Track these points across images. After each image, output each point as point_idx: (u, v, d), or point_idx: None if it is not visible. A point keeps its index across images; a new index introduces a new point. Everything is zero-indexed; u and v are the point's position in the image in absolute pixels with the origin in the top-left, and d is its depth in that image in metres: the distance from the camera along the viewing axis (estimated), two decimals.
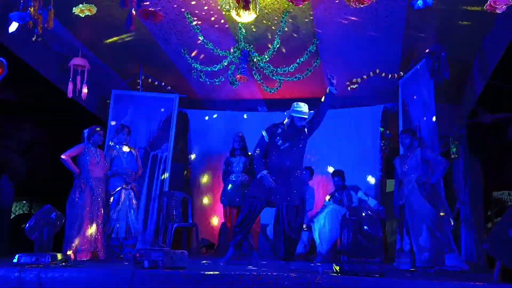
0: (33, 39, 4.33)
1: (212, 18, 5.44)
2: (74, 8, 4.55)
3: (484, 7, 3.99)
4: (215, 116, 8.13)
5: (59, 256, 4.21)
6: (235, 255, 5.09)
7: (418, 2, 4.00)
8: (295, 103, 4.92)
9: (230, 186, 6.10)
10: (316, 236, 6.17)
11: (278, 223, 4.85)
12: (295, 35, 5.72)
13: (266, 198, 4.88)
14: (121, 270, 3.56)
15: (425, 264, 4.64)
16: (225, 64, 6.14)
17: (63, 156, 5.55)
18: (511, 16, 4.41)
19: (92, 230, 5.52)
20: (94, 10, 4.56)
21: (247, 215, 4.93)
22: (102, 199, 5.66)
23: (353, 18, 5.23)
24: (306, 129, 4.96)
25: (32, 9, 4.19)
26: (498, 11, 3.95)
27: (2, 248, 6.58)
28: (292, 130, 4.89)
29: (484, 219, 6.98)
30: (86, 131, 5.77)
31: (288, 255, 4.83)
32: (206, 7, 5.21)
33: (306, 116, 4.91)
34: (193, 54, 6.09)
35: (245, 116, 8.10)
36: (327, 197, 6.83)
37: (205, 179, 7.98)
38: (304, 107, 4.89)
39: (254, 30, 5.66)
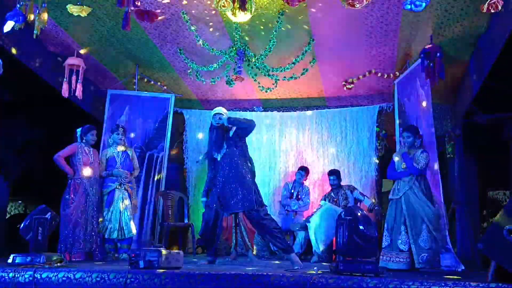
0: (34, 36, 4.32)
1: (208, 18, 5.44)
2: (68, 6, 4.54)
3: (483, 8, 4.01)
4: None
5: (54, 256, 4.21)
6: (215, 262, 5.09)
7: (407, 6, 4.01)
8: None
9: None
10: (311, 235, 6.17)
11: (256, 227, 4.84)
12: (291, 35, 5.72)
13: (217, 207, 4.87)
14: (116, 271, 3.55)
15: (424, 265, 4.64)
16: (221, 64, 6.13)
17: (55, 157, 5.54)
18: (506, 16, 4.43)
19: (86, 230, 5.51)
20: (88, 11, 4.56)
21: (205, 229, 4.93)
22: (96, 199, 5.65)
23: (348, 18, 5.24)
24: (233, 132, 4.95)
25: (24, 8, 4.18)
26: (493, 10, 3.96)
27: None
28: (218, 135, 4.93)
29: (479, 218, 6.99)
30: (78, 130, 5.76)
31: (286, 246, 4.73)
32: (202, 7, 5.20)
33: (217, 112, 5.00)
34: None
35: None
36: (323, 197, 6.85)
37: (201, 179, 7.97)
38: (217, 109, 5.08)
39: (250, 30, 5.66)
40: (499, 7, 3.94)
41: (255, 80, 6.47)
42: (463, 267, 4.93)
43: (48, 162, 5.62)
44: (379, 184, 7.45)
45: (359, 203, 6.61)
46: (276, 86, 6.62)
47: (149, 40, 5.97)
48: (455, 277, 3.87)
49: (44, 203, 4.61)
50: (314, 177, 7.53)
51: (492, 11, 3.98)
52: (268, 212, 4.83)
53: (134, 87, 7.02)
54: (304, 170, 7.08)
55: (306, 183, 7.22)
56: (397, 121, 6.59)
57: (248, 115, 7.89)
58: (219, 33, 5.77)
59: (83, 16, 4.59)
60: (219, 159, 4.93)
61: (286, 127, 7.83)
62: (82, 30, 5.71)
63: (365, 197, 6.65)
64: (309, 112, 7.83)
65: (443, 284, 3.00)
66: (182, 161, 8.06)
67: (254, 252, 6.35)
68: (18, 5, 4.22)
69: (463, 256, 6.36)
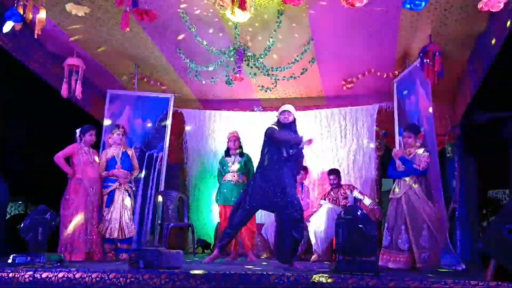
0: (35, 36, 4.32)
1: (208, 18, 5.44)
2: (67, 5, 4.55)
3: (478, 7, 4.01)
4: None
5: (54, 256, 4.21)
6: (218, 257, 5.07)
7: (406, 5, 4.01)
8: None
9: (225, 186, 6.10)
10: (311, 235, 6.17)
11: (281, 227, 4.83)
12: (290, 34, 5.72)
13: (261, 207, 4.90)
14: (116, 271, 3.55)
15: (424, 264, 4.64)
16: (221, 63, 6.13)
17: (55, 157, 5.54)
18: (505, 15, 4.43)
19: (86, 230, 5.51)
20: (86, 11, 4.56)
21: (241, 220, 4.94)
22: (97, 200, 5.66)
23: (348, 17, 5.24)
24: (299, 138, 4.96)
25: (23, 8, 4.18)
26: (493, 10, 3.96)
27: None
28: (293, 133, 4.96)
29: (479, 218, 7.00)
30: (78, 130, 5.77)
31: (293, 256, 4.79)
32: (201, 7, 5.20)
33: (287, 109, 5.06)
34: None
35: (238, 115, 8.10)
36: (323, 196, 6.84)
37: (200, 178, 7.97)
38: (284, 106, 5.10)
39: (250, 29, 5.66)
40: (501, 7, 3.93)
41: (254, 80, 6.46)
42: (463, 267, 4.93)
43: (48, 163, 5.62)
44: (379, 184, 7.45)
45: (358, 203, 6.61)
46: (275, 86, 6.61)
47: (148, 40, 5.97)
48: (456, 276, 3.87)
49: (44, 203, 4.61)
50: (314, 177, 7.53)
51: (494, 10, 3.98)
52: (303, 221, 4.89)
53: (134, 87, 7.02)
54: (303, 170, 7.08)
55: (306, 182, 7.22)
56: (397, 121, 6.58)
57: (248, 115, 7.91)
58: (218, 33, 5.77)
59: (81, 15, 4.59)
60: (285, 154, 4.86)
61: None
62: (81, 30, 5.71)
63: (364, 196, 6.65)
64: (308, 112, 7.83)
65: (443, 283, 3.01)
66: (182, 161, 8.06)
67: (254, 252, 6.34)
68: (15, 5, 4.22)
69: (463, 255, 6.37)
